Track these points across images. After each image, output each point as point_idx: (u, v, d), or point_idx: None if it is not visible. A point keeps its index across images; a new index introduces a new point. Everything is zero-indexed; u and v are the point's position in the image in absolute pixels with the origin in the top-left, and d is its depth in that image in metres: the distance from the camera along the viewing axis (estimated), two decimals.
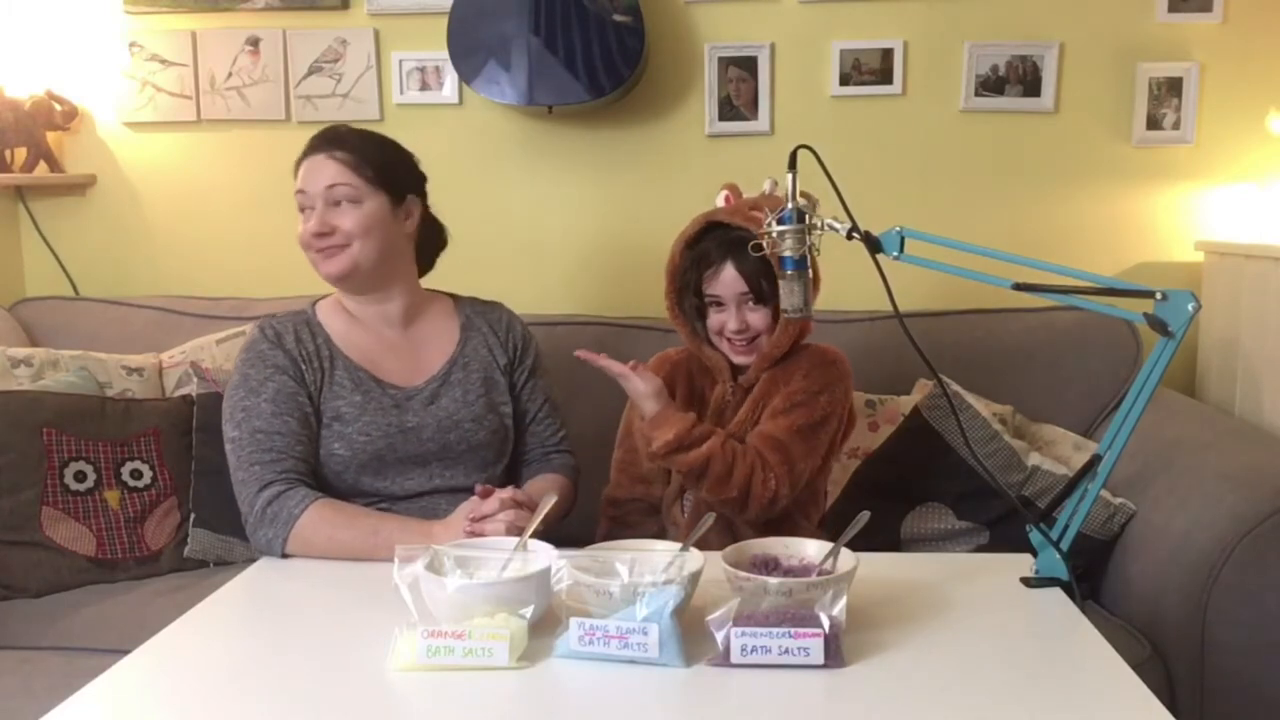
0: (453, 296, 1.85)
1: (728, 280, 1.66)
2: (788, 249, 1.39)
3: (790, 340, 1.68)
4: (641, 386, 1.62)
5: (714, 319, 1.71)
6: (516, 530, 1.41)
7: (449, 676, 1.13)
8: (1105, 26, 2.42)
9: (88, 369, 2.15)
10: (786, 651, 1.11)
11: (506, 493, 1.49)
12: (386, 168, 1.70)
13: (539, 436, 1.83)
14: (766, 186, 1.73)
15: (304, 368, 1.66)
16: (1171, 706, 1.44)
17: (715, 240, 1.68)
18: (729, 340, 1.69)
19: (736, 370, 1.73)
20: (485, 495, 1.50)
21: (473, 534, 1.45)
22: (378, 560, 1.46)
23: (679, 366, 1.79)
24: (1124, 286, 1.36)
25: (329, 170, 1.67)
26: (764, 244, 1.43)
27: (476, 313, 1.82)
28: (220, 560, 2.02)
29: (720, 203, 1.73)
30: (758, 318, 1.67)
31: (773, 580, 1.18)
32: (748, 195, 1.73)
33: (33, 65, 2.54)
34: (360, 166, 1.67)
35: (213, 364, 2.20)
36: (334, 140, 1.69)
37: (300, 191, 1.69)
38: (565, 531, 1.71)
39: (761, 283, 1.64)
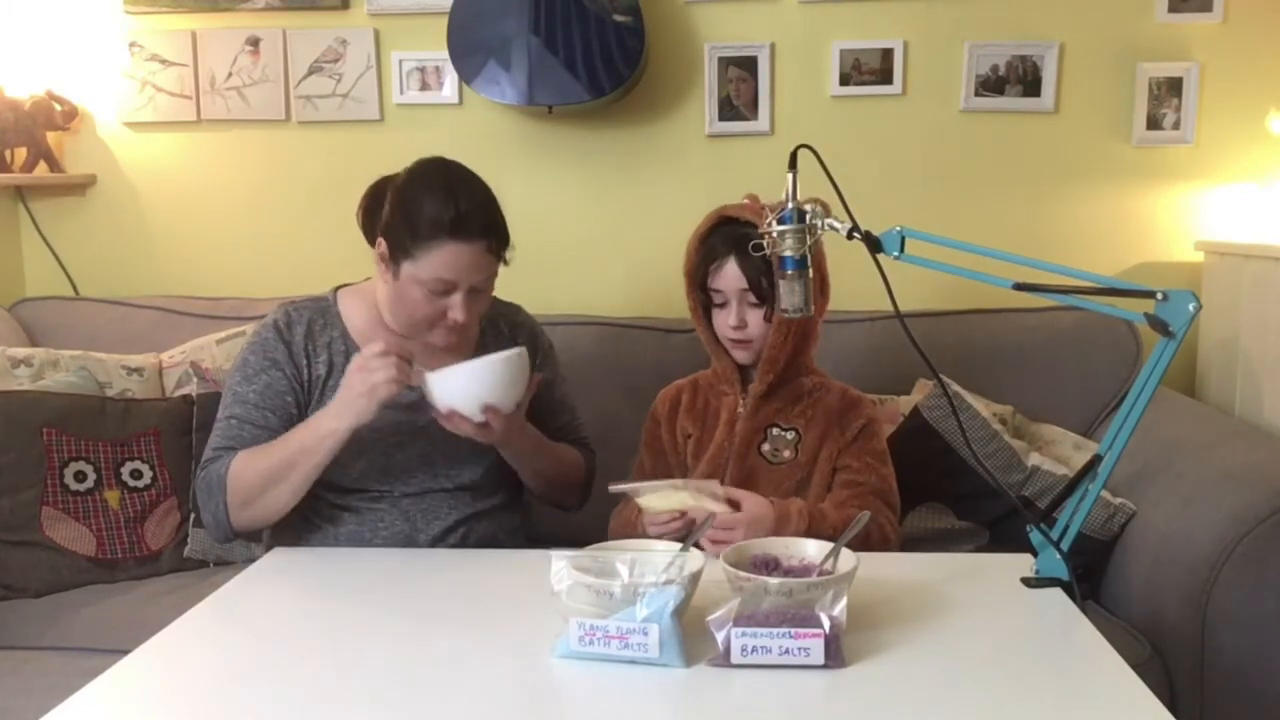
0: None
1: (730, 275, 1.67)
2: (788, 249, 1.39)
3: (793, 345, 1.68)
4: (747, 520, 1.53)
5: (717, 318, 1.71)
6: (406, 369, 1.50)
7: (448, 677, 1.13)
8: (1105, 26, 2.42)
9: (88, 369, 2.15)
10: (787, 652, 1.11)
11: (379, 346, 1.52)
12: None
13: (559, 438, 1.83)
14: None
15: (305, 362, 1.67)
16: (1171, 706, 1.44)
17: (722, 236, 1.69)
18: (730, 340, 1.70)
19: (746, 380, 1.73)
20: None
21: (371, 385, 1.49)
22: (302, 469, 1.55)
23: (683, 391, 1.79)
24: (1124, 286, 1.36)
25: (486, 264, 1.61)
26: (764, 243, 1.43)
27: (498, 315, 1.82)
28: (220, 560, 2.03)
29: None
30: (755, 317, 1.68)
31: (773, 580, 1.18)
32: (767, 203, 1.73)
33: (33, 65, 2.54)
34: (500, 253, 1.64)
35: (213, 364, 2.20)
36: (492, 227, 1.60)
37: (448, 281, 1.57)
38: (566, 532, 1.71)
39: (762, 281, 1.64)
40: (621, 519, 1.70)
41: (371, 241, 1.69)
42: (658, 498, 1.50)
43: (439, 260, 1.56)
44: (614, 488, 1.52)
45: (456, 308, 1.60)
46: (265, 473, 1.58)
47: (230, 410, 1.65)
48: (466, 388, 1.52)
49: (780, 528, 1.52)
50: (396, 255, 1.60)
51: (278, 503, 1.59)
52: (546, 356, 1.84)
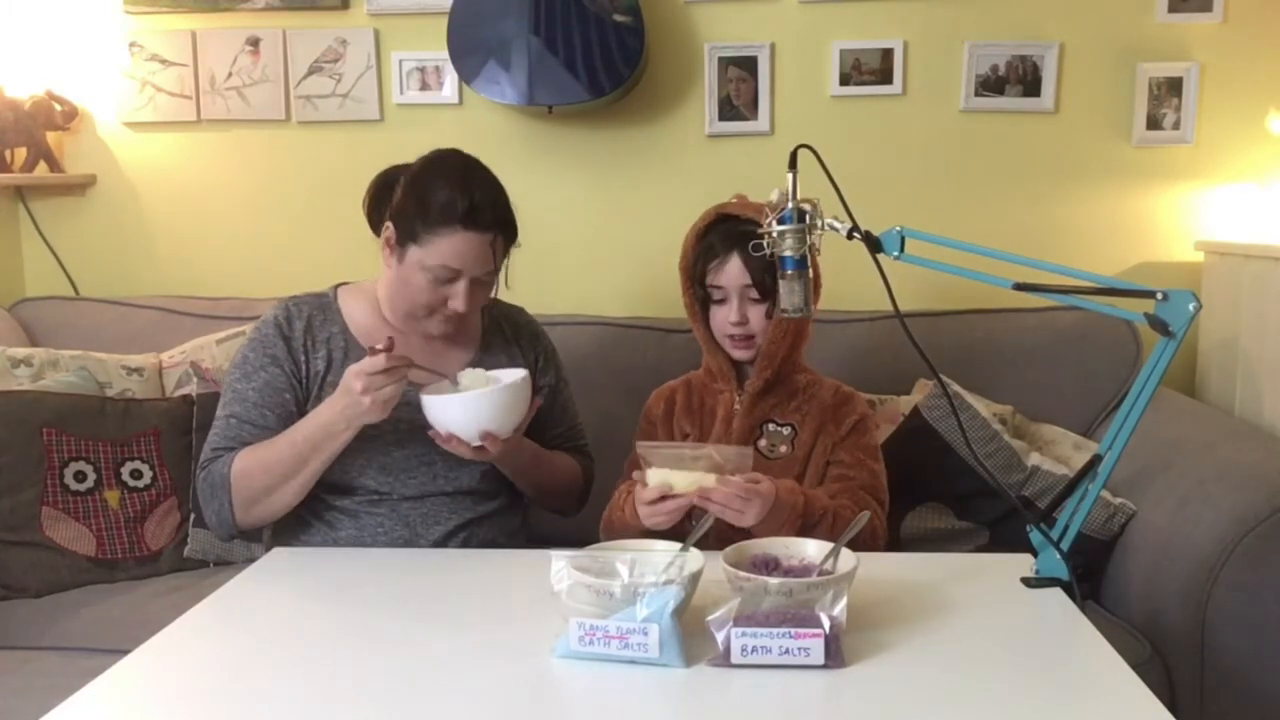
0: None
1: (732, 271, 1.66)
2: (788, 249, 1.39)
3: (789, 341, 1.68)
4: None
5: (716, 315, 1.71)
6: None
7: (448, 677, 1.13)
8: (1105, 26, 2.42)
9: (88, 369, 2.15)
10: (787, 652, 1.11)
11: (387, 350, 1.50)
12: None
13: (558, 446, 1.83)
14: (774, 196, 1.73)
15: (305, 358, 1.67)
16: (1171, 706, 1.44)
17: (722, 233, 1.69)
18: (729, 337, 1.70)
19: (742, 377, 1.73)
20: (375, 354, 1.50)
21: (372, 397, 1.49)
22: (312, 467, 1.55)
23: (676, 391, 1.79)
24: (1124, 286, 1.37)
25: (492, 257, 1.61)
26: (764, 243, 1.43)
27: (500, 316, 1.82)
28: (220, 560, 2.03)
29: None
30: (757, 314, 1.67)
31: (773, 580, 1.18)
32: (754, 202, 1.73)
33: (33, 65, 2.54)
34: (506, 248, 1.65)
35: (213, 364, 2.20)
36: (502, 222, 1.61)
37: (452, 269, 1.58)
38: (566, 532, 1.71)
39: (765, 278, 1.64)
40: (607, 520, 1.67)
41: (376, 228, 1.69)
42: (678, 475, 1.45)
43: (447, 247, 1.57)
44: (641, 447, 1.48)
45: (458, 297, 1.61)
46: (272, 470, 1.57)
47: (230, 409, 1.65)
48: (466, 416, 1.52)
49: (778, 509, 1.48)
50: (404, 239, 1.60)
51: (284, 499, 1.60)
52: (549, 360, 1.84)
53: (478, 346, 1.77)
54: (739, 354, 1.71)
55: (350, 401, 1.51)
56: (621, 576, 1.18)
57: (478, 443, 1.53)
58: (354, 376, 1.50)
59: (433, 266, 1.58)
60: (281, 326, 1.68)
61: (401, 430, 1.65)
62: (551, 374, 1.83)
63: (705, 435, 1.73)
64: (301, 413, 1.65)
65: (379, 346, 1.49)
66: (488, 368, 1.74)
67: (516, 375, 1.56)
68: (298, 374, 1.66)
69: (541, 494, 1.78)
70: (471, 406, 1.52)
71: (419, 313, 1.63)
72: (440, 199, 1.57)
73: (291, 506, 1.61)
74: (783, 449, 1.70)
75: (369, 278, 1.76)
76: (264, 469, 1.58)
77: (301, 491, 1.60)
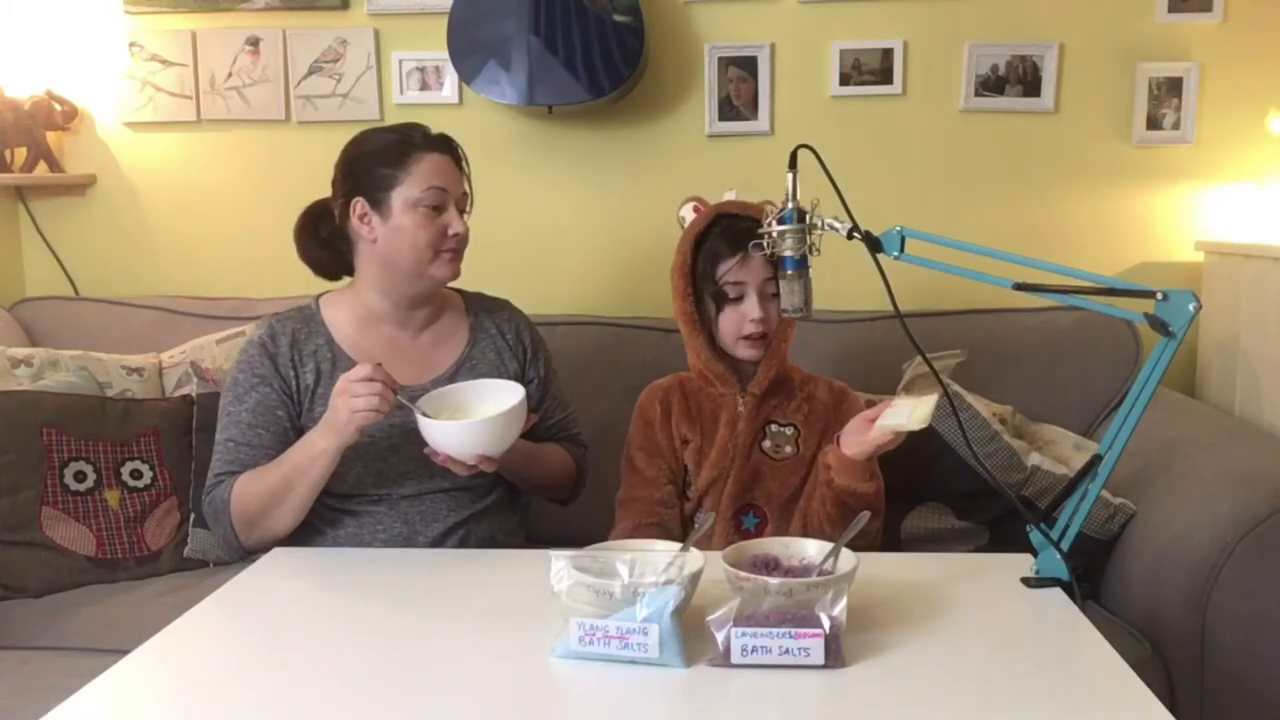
0: (461, 293, 1.85)
1: (756, 266, 1.64)
2: (788, 249, 1.39)
3: (787, 340, 1.69)
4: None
5: (730, 315, 1.67)
6: (389, 396, 1.51)
7: (449, 677, 1.13)
8: (1105, 26, 2.42)
9: (88, 369, 2.15)
10: (787, 652, 1.11)
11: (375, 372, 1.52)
12: None
13: (552, 436, 1.84)
14: (730, 195, 1.73)
15: (293, 373, 1.68)
16: (1171, 706, 1.43)
17: (728, 231, 1.67)
18: (745, 338, 1.67)
19: (743, 378, 1.72)
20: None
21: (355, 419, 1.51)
22: (299, 491, 1.58)
23: (672, 391, 1.76)
24: (1124, 286, 1.36)
25: (460, 179, 1.71)
26: (764, 243, 1.43)
27: (484, 312, 1.82)
28: (220, 560, 2.02)
29: (688, 214, 1.76)
30: (774, 310, 1.66)
31: (773, 580, 1.18)
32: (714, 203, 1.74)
33: (33, 65, 2.54)
34: (467, 175, 1.74)
35: (213, 364, 2.20)
36: (455, 148, 1.72)
37: (440, 189, 1.66)
38: (566, 532, 1.71)
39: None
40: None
41: (321, 266, 1.77)
42: (910, 413, 1.48)
43: (427, 169, 1.64)
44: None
45: (455, 219, 1.66)
46: (264, 495, 1.59)
47: (226, 433, 1.67)
48: (463, 441, 1.53)
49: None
50: (380, 196, 1.65)
51: (282, 522, 1.61)
52: (536, 352, 1.83)
53: (465, 342, 1.77)
54: (750, 353, 1.68)
55: (330, 408, 1.54)
56: (621, 576, 1.18)
57: (473, 462, 1.54)
58: (338, 387, 1.53)
59: (421, 195, 1.64)
60: (266, 345, 1.69)
61: (395, 436, 1.65)
62: (540, 364, 1.83)
63: (708, 441, 1.72)
64: (295, 427, 1.66)
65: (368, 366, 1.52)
66: (476, 364, 1.75)
67: (513, 399, 1.55)
68: (288, 390, 1.67)
69: (536, 488, 1.79)
70: (468, 433, 1.52)
71: (425, 256, 1.65)
72: (393, 140, 1.67)
73: (291, 527, 1.62)
74: (788, 449, 1.70)
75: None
76: (256, 495, 1.60)
77: (297, 514, 1.61)
